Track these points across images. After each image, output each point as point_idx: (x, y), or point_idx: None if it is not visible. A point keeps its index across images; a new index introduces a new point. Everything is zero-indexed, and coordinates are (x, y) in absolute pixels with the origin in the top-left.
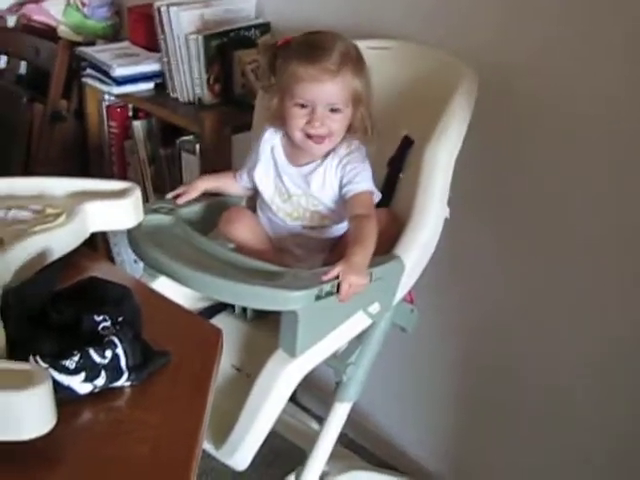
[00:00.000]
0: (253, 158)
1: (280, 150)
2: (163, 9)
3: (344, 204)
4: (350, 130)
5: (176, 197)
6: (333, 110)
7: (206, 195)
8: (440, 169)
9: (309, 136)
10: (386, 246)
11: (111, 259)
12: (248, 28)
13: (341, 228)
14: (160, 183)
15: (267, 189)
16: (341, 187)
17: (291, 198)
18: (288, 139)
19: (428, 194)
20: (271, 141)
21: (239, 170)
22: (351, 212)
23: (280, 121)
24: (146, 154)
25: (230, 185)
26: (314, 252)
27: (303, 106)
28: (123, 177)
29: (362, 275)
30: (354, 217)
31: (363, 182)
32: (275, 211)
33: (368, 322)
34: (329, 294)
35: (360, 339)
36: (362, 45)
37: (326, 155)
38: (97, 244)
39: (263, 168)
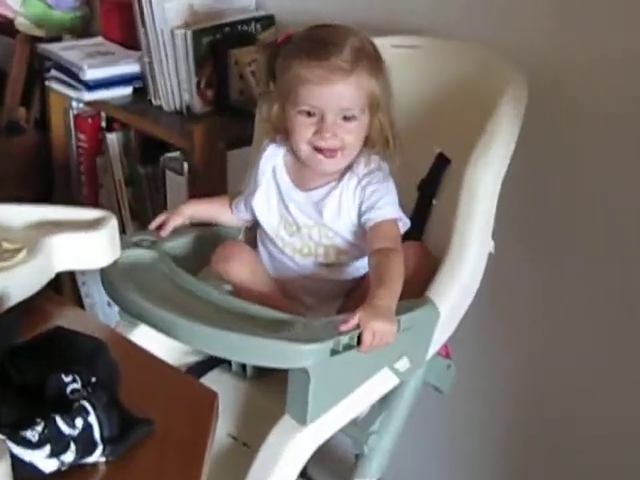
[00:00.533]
0: (252, 182)
1: (283, 171)
2: None
3: (364, 235)
4: (367, 143)
5: (158, 228)
6: (347, 118)
7: (196, 225)
8: (483, 195)
9: (318, 150)
10: (417, 288)
11: (78, 302)
12: (247, 22)
13: (361, 267)
14: (140, 210)
15: (270, 220)
16: (360, 214)
17: (300, 230)
18: (293, 157)
19: (469, 225)
20: (273, 160)
21: (235, 198)
22: (373, 245)
23: (282, 134)
24: (122, 174)
25: (224, 213)
26: (328, 298)
27: (310, 114)
28: (94, 202)
29: (389, 322)
30: (376, 251)
31: (387, 207)
32: (281, 247)
33: (395, 381)
34: (348, 347)
35: (385, 402)
36: (384, 43)
37: (341, 175)
38: (62, 283)
39: (264, 194)
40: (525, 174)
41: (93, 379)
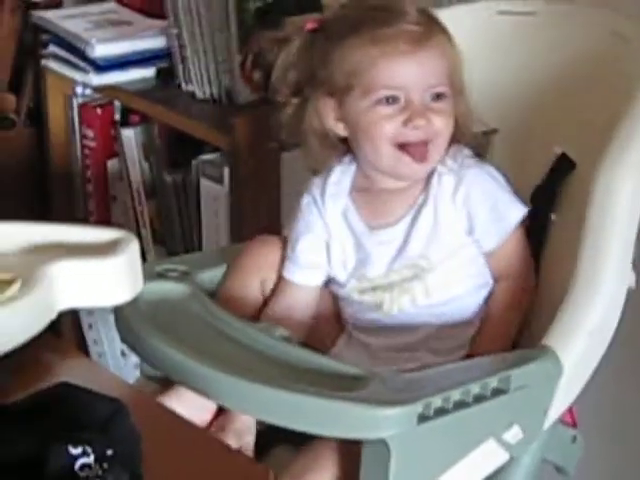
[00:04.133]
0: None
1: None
2: None
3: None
4: (452, 137)
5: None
6: (436, 97)
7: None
8: (621, 211)
9: (404, 150)
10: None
11: (83, 349)
12: None
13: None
14: (165, 230)
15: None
16: (473, 229)
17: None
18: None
19: (601, 252)
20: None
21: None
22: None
23: (334, 153)
24: (142, 182)
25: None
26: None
27: (390, 100)
28: (104, 220)
29: None
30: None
31: (508, 213)
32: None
33: (504, 458)
34: (441, 412)
35: None
36: (486, 8)
37: (426, 184)
38: (61, 326)
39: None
40: None
41: (109, 452)
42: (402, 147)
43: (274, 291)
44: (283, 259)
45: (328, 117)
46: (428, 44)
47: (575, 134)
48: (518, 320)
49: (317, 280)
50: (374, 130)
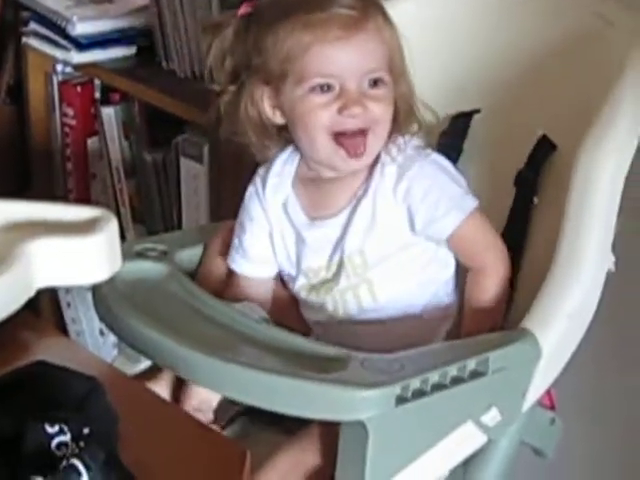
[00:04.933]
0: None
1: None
2: None
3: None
4: (394, 123)
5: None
6: (374, 82)
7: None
8: (601, 194)
9: (340, 141)
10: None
11: (61, 329)
12: None
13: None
14: (145, 208)
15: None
16: (416, 228)
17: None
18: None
19: (581, 234)
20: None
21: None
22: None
23: (277, 140)
24: (122, 161)
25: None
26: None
27: (324, 88)
28: (84, 198)
29: None
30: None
31: (452, 212)
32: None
33: (482, 440)
34: (419, 394)
35: (468, 468)
36: None
37: (369, 174)
38: (39, 305)
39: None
40: None
41: (86, 430)
42: (338, 138)
43: (226, 283)
44: None
45: (264, 105)
46: (364, 28)
47: (557, 115)
48: (497, 307)
49: (266, 272)
50: (309, 119)
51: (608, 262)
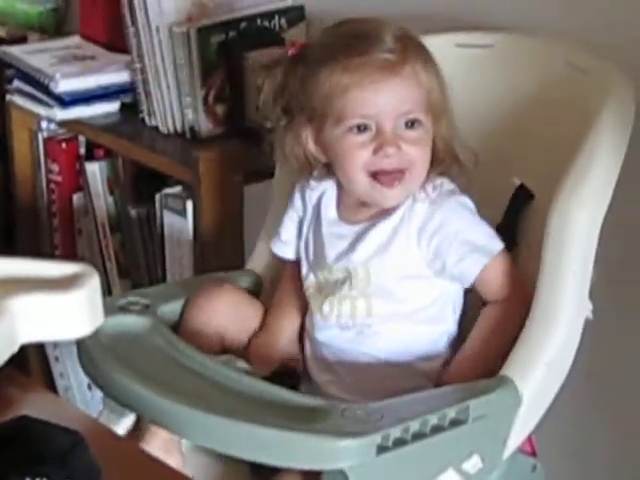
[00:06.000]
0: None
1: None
2: None
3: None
4: (433, 163)
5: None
6: (409, 124)
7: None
8: (578, 242)
9: (378, 178)
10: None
11: (50, 384)
12: (269, 15)
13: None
14: (130, 263)
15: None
16: (439, 268)
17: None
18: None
19: (558, 282)
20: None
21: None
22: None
23: (314, 172)
24: (107, 216)
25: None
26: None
27: (361, 129)
28: (70, 254)
29: None
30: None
31: (479, 252)
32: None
33: None
34: (400, 443)
35: None
36: (445, 41)
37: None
38: (28, 360)
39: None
40: (634, 213)
41: None
42: (375, 176)
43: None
44: (236, 302)
45: (307, 143)
46: (399, 73)
47: (533, 165)
48: (502, 344)
49: (290, 254)
50: (347, 158)
51: (586, 310)
